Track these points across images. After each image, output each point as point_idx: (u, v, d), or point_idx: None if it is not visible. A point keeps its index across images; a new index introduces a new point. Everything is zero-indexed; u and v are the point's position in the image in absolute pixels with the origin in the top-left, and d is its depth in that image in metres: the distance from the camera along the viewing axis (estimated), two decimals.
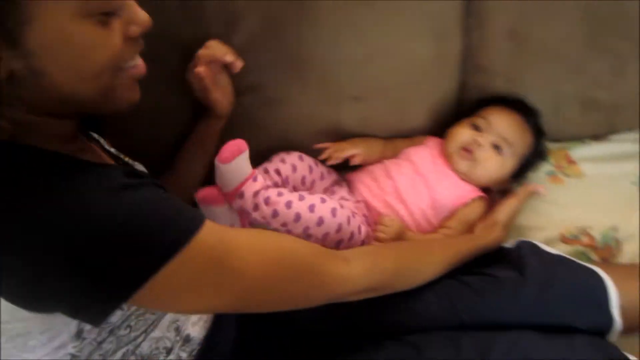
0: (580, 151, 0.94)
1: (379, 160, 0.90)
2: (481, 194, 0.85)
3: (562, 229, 0.86)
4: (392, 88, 0.85)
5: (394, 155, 0.90)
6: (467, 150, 0.83)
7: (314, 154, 0.88)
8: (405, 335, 0.70)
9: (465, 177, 0.85)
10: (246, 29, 0.78)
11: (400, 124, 0.90)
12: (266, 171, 0.82)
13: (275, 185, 0.80)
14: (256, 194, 0.74)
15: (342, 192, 0.86)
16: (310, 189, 0.85)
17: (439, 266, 0.71)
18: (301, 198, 0.74)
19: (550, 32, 0.84)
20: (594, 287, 0.71)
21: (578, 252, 0.84)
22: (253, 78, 0.82)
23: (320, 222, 0.73)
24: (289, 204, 0.73)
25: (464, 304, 0.71)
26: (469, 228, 0.83)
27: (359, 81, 0.83)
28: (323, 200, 0.75)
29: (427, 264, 0.71)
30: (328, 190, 0.87)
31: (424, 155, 0.87)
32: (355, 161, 0.85)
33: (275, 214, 0.73)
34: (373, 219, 0.82)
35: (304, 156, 0.86)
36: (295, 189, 0.83)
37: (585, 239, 0.85)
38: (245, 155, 0.74)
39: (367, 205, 0.84)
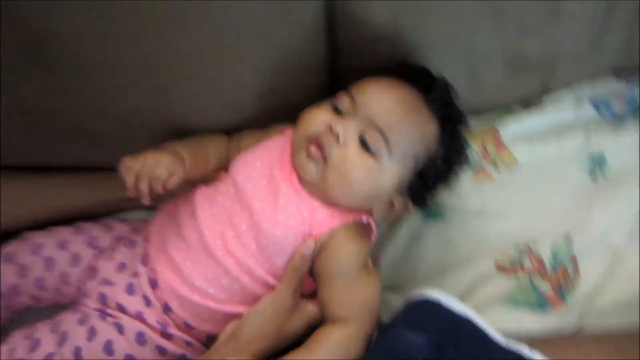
0: (511, 128, 0.66)
1: (222, 167, 0.55)
2: (348, 218, 0.50)
3: (497, 252, 0.59)
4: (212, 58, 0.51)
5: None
6: (316, 144, 0.48)
7: None
8: None
9: (315, 192, 0.50)
10: None
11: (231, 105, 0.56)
12: None
13: None
14: None
15: (110, 266, 0.53)
16: (64, 284, 0.56)
17: None
18: None
19: None
20: None
21: (523, 286, 0.58)
22: None
23: None
24: None
25: None
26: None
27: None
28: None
29: None
30: (93, 270, 0.54)
31: (261, 160, 0.53)
32: (171, 184, 0.48)
33: None
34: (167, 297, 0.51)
35: (44, 244, 0.56)
36: (35, 298, 0.57)
37: (529, 262, 0.59)
38: None
39: (156, 273, 0.51)
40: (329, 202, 0.50)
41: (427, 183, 0.51)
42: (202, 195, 0.53)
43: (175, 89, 0.53)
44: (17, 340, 0.51)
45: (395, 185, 0.50)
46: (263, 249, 0.49)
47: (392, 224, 0.63)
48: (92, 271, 0.54)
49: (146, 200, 0.47)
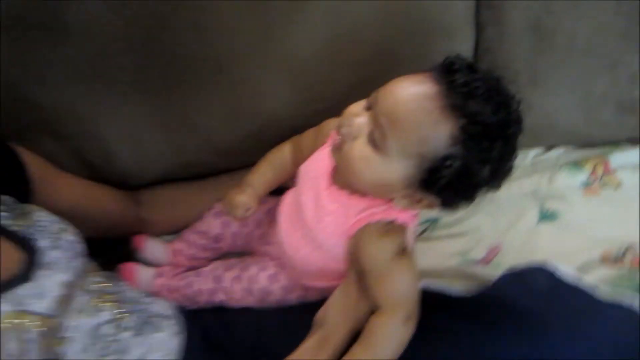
0: (619, 158, 0.82)
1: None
2: (372, 218, 0.57)
3: (604, 249, 0.74)
4: None
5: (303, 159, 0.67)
6: (339, 134, 0.55)
7: None
8: None
9: (343, 182, 0.59)
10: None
11: None
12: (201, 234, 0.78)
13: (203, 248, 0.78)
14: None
15: (272, 232, 0.72)
16: (249, 242, 0.77)
17: None
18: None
19: (579, 24, 0.73)
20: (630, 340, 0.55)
21: (622, 277, 0.72)
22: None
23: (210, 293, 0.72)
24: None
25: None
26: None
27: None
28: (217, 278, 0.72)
29: None
30: (265, 235, 0.75)
31: (313, 172, 0.63)
32: (246, 217, 0.67)
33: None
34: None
35: None
36: (232, 246, 0.78)
37: (630, 258, 0.73)
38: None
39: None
40: (357, 196, 0.57)
41: (439, 182, 0.50)
42: (285, 200, 0.67)
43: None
44: (218, 264, 0.74)
45: (401, 178, 0.52)
46: (320, 248, 0.61)
47: (511, 222, 0.80)
48: (264, 235, 0.76)
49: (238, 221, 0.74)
